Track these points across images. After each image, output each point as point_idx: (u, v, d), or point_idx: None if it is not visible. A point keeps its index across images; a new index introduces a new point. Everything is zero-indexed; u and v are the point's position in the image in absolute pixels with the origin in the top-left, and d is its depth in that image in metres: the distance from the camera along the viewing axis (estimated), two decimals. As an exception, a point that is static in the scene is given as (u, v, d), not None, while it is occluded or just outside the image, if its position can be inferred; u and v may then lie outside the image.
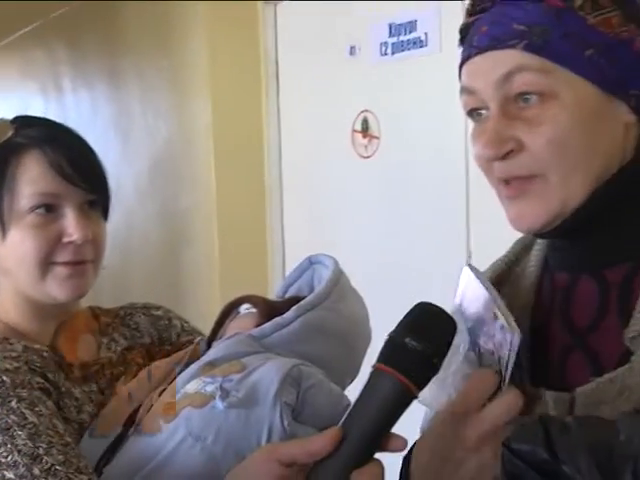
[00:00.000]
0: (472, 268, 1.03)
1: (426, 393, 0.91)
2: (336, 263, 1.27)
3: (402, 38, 2.80)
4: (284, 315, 1.19)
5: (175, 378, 1.21)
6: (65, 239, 1.21)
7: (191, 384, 1.13)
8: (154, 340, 1.42)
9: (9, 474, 1.08)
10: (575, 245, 1.00)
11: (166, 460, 1.11)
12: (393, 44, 2.83)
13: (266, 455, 0.88)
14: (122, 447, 1.17)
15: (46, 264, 1.21)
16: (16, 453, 1.08)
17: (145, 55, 3.41)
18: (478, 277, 0.99)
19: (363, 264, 3.01)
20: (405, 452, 0.97)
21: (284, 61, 3.31)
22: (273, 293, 3.73)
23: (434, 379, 0.90)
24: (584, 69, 0.91)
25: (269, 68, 3.31)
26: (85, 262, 1.24)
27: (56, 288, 1.23)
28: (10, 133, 1.22)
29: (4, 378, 1.13)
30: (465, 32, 0.99)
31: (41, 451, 1.09)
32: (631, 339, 0.92)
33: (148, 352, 1.39)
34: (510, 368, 0.89)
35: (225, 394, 1.08)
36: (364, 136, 3.01)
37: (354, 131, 3.04)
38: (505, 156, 0.93)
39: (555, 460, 0.77)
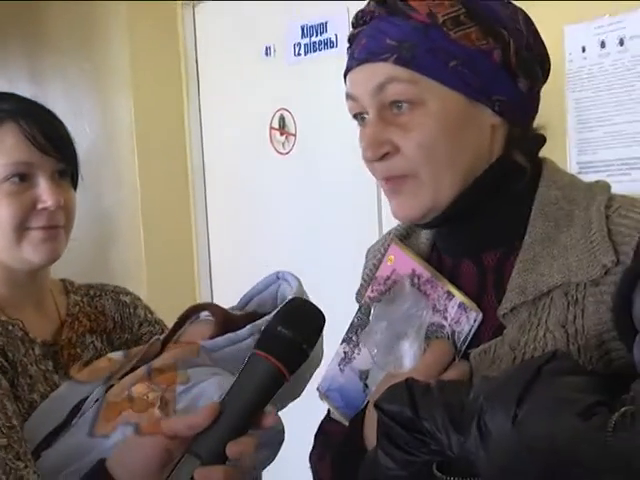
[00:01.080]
0: (400, 246, 1.15)
1: (376, 357, 1.04)
2: (299, 285, 1.31)
3: (314, 39, 2.85)
4: (238, 332, 1.21)
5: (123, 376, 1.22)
6: (39, 205, 1.24)
7: (137, 387, 1.16)
8: (116, 326, 1.43)
9: None
10: (455, 233, 1.10)
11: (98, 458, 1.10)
12: (305, 45, 2.89)
13: (150, 429, 0.94)
14: (64, 434, 1.18)
15: (21, 229, 1.24)
16: None
17: (67, 55, 3.41)
18: (415, 257, 1.11)
19: (280, 254, 3.05)
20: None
21: (203, 61, 3.33)
22: (200, 288, 3.80)
23: (380, 345, 1.03)
24: (449, 79, 1.00)
25: (189, 67, 3.33)
26: (58, 227, 1.27)
27: (31, 252, 1.25)
28: None
29: None
30: (351, 42, 1.09)
31: None
32: (503, 315, 1.01)
33: (108, 337, 1.41)
34: (467, 341, 1.03)
35: (164, 404, 1.11)
36: (281, 133, 3.05)
37: (272, 128, 3.08)
38: (382, 157, 1.02)
39: (417, 418, 0.84)
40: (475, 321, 1.02)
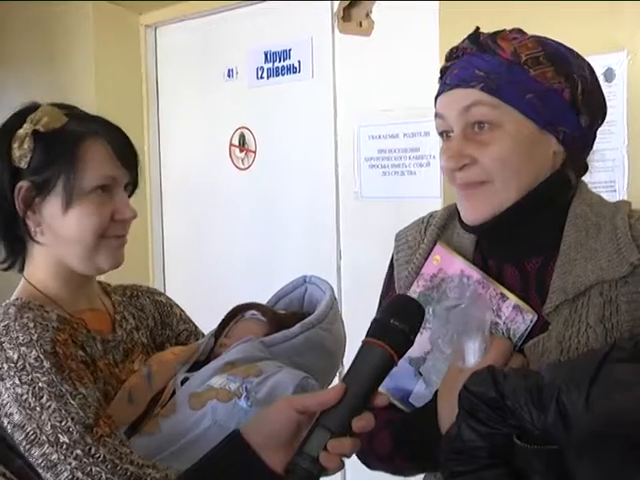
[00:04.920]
0: (446, 248, 1.28)
1: (439, 350, 1.17)
2: (332, 289, 1.44)
3: (277, 64, 3.00)
4: (291, 329, 1.34)
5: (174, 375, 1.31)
6: (117, 217, 1.30)
7: (215, 379, 1.25)
8: (157, 323, 1.49)
9: (63, 438, 1.12)
10: (502, 240, 1.24)
11: (191, 443, 1.20)
12: (269, 69, 3.03)
13: (286, 404, 1.02)
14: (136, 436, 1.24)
15: (101, 237, 1.29)
16: (70, 420, 1.13)
17: (29, 71, 3.46)
18: (464, 260, 1.24)
19: (239, 267, 3.23)
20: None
21: (165, 81, 3.45)
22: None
23: (443, 339, 1.16)
24: (524, 108, 1.16)
25: (149, 87, 3.45)
26: (125, 236, 1.35)
27: (105, 258, 1.31)
28: (65, 120, 1.28)
29: (57, 349, 1.20)
30: (443, 73, 1.26)
31: (92, 421, 1.15)
32: (548, 314, 1.16)
33: (151, 333, 1.47)
34: (523, 338, 1.17)
35: (248, 394, 1.20)
36: (241, 150, 3.18)
37: (232, 145, 3.21)
38: (462, 168, 1.18)
39: (501, 397, 0.96)
40: (531, 321, 1.18)
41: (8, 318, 1.22)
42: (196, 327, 1.57)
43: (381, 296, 1.42)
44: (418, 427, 1.21)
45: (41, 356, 1.17)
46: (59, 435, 1.12)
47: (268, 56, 3.04)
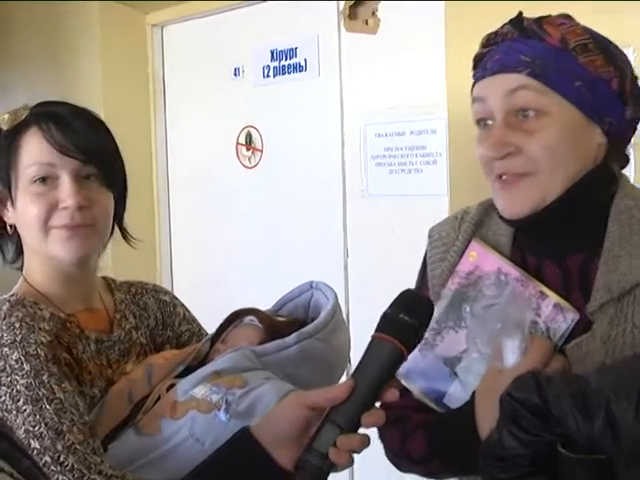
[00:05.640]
0: (482, 245, 1.23)
1: (477, 349, 1.12)
2: (336, 297, 1.38)
3: (283, 63, 3.00)
4: (286, 339, 1.29)
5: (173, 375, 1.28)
6: (60, 205, 1.26)
7: (198, 388, 1.21)
8: (158, 323, 1.47)
9: (35, 444, 1.11)
10: (543, 235, 1.18)
11: (166, 454, 1.16)
12: (275, 68, 3.03)
13: (295, 400, 1.02)
14: (118, 439, 1.21)
15: (46, 228, 1.26)
16: (43, 425, 1.11)
17: (36, 71, 3.46)
18: (501, 256, 1.19)
19: (246, 265, 3.23)
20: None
21: (171, 80, 3.46)
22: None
23: (481, 338, 1.12)
24: (573, 95, 1.11)
25: (156, 86, 3.46)
26: (81, 226, 1.27)
27: (57, 249, 1.27)
28: (25, 114, 1.28)
29: (39, 351, 1.17)
30: (479, 59, 1.20)
31: (65, 428, 1.12)
32: (591, 313, 1.11)
33: (151, 333, 1.45)
34: (564, 339, 1.12)
35: (228, 407, 1.16)
36: (248, 148, 3.18)
37: (238, 144, 3.21)
38: (504, 157, 1.12)
39: (545, 404, 0.91)
40: (572, 321, 1.13)
41: None
42: (200, 328, 1.55)
43: None
44: (455, 429, 1.17)
45: (22, 358, 1.16)
46: (31, 440, 1.11)
47: (274, 54, 3.04)
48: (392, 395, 0.99)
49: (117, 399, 1.26)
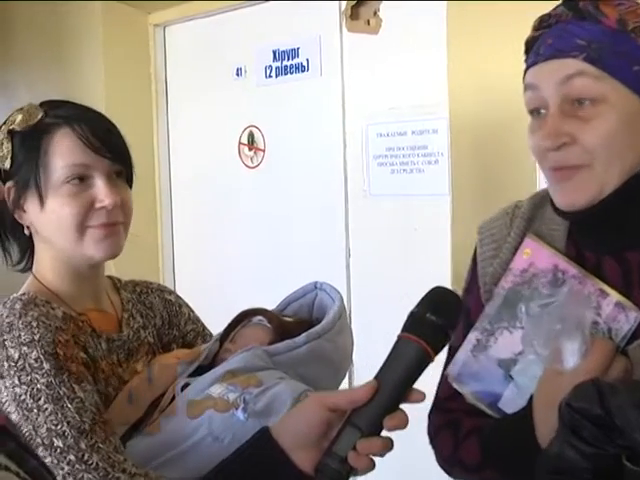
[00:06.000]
0: (537, 241, 1.16)
1: (534, 350, 1.06)
2: (341, 299, 1.39)
3: (285, 63, 3.01)
4: (296, 339, 1.30)
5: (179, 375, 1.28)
6: (97, 205, 1.27)
7: (214, 387, 1.22)
8: (164, 322, 1.48)
9: (58, 442, 1.11)
10: (600, 230, 1.12)
11: (185, 452, 1.17)
12: (277, 68, 3.04)
13: (315, 402, 0.99)
14: (135, 437, 1.22)
15: (82, 227, 1.27)
16: (65, 424, 1.12)
17: (38, 71, 3.46)
18: (557, 253, 1.11)
19: (248, 265, 3.23)
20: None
21: (173, 80, 3.46)
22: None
23: (538, 339, 1.04)
24: (632, 81, 1.04)
25: (158, 86, 3.46)
26: (116, 224, 1.30)
27: (93, 248, 1.29)
28: (40, 115, 1.27)
29: (58, 350, 1.18)
30: (531, 43, 1.14)
31: (87, 426, 1.14)
32: None
33: (158, 333, 1.46)
34: (627, 339, 1.05)
35: (246, 406, 1.16)
36: (250, 148, 3.19)
37: (241, 144, 3.21)
38: (559, 147, 1.06)
39: (608, 414, 0.85)
40: (635, 320, 1.06)
41: (13, 315, 1.21)
42: (204, 328, 1.56)
43: (464, 293, 1.30)
44: (511, 436, 1.10)
45: (41, 357, 1.16)
46: (54, 439, 1.12)
47: (276, 55, 3.04)
48: (417, 397, 0.96)
49: (117, 401, 1.27)
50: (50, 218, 1.28)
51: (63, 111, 1.30)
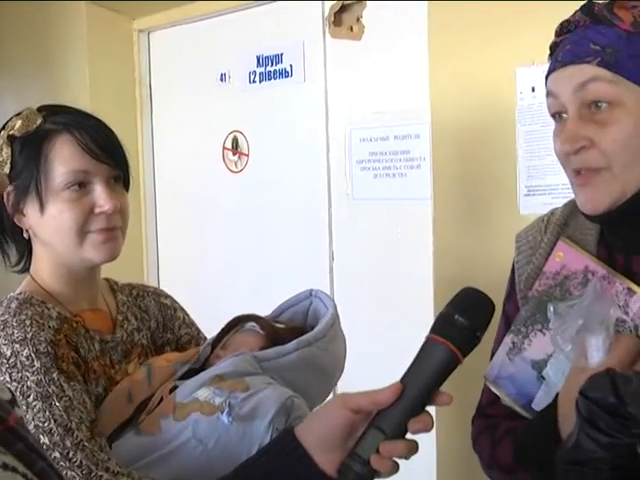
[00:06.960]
0: (569, 244, 1.17)
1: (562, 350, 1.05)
2: (335, 307, 1.40)
3: (269, 68, 3.03)
4: (286, 346, 1.31)
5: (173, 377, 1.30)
6: (97, 210, 1.30)
7: (202, 391, 1.23)
8: (159, 325, 1.50)
9: (44, 439, 1.13)
10: (628, 231, 1.12)
11: (169, 454, 1.18)
12: (261, 73, 3.06)
13: (339, 403, 0.97)
14: (121, 438, 1.23)
15: (82, 232, 1.29)
16: (52, 422, 1.14)
17: (23, 76, 3.46)
18: (588, 254, 1.13)
19: (231, 269, 3.25)
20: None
21: (158, 85, 3.48)
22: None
23: (565, 338, 1.03)
24: None
25: (143, 91, 3.48)
26: (115, 229, 1.32)
27: (92, 252, 1.30)
28: (39, 121, 1.29)
29: (49, 349, 1.20)
30: (554, 49, 1.15)
31: (73, 425, 1.15)
32: None
33: (152, 335, 1.48)
34: None
35: (231, 410, 1.17)
36: (234, 153, 3.20)
37: (225, 148, 3.23)
38: (578, 151, 1.07)
39: (622, 403, 0.85)
40: None
41: (8, 313, 1.24)
42: (199, 332, 1.58)
43: (504, 300, 1.31)
44: (537, 435, 1.10)
45: (32, 355, 1.18)
46: (40, 436, 1.13)
47: (260, 60, 3.06)
48: (444, 400, 0.94)
49: (117, 399, 1.28)
50: (50, 223, 1.30)
51: (62, 117, 1.32)
